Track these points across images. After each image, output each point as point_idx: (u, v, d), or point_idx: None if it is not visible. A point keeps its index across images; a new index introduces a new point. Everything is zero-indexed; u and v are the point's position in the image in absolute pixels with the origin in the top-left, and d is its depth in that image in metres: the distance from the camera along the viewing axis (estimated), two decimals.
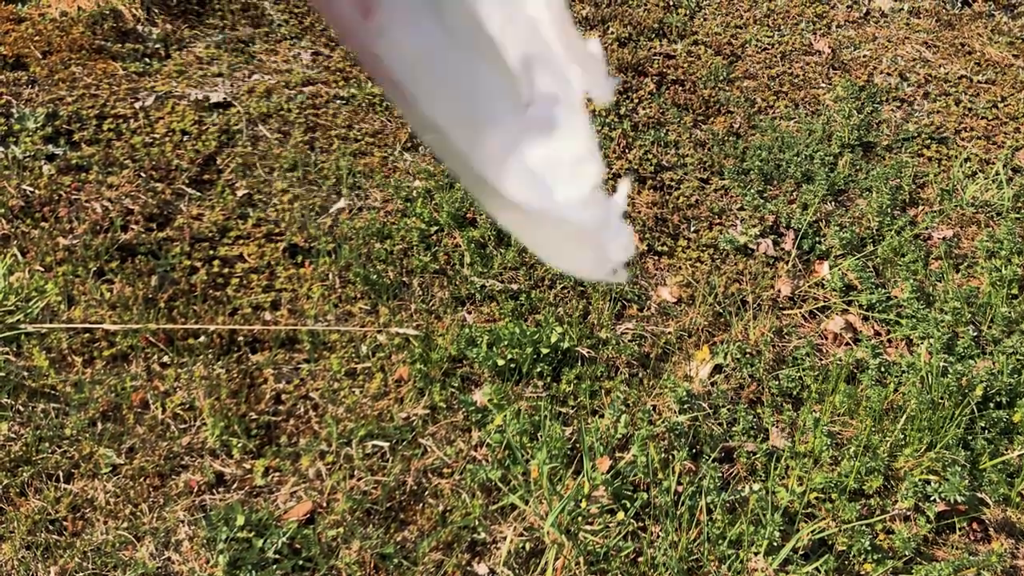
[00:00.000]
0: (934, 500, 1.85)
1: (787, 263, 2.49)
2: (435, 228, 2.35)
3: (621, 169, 2.68)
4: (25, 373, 1.82)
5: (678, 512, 1.75)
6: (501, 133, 0.49)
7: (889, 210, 2.70)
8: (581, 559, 1.65)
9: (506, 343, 2.00)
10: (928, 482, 1.88)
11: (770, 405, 2.06)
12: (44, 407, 1.78)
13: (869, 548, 1.74)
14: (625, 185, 0.53)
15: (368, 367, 1.98)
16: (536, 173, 0.50)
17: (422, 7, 0.45)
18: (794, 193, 2.76)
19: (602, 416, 1.95)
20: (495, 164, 0.50)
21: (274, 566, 1.57)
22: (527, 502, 1.74)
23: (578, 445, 1.86)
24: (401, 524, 1.71)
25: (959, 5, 4.19)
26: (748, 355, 2.16)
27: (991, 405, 2.06)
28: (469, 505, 1.74)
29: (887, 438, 1.95)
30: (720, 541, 1.72)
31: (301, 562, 1.60)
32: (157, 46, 2.86)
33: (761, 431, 1.99)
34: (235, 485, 1.72)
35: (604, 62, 0.49)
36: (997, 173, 2.96)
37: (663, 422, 1.93)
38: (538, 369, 2.00)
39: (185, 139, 2.49)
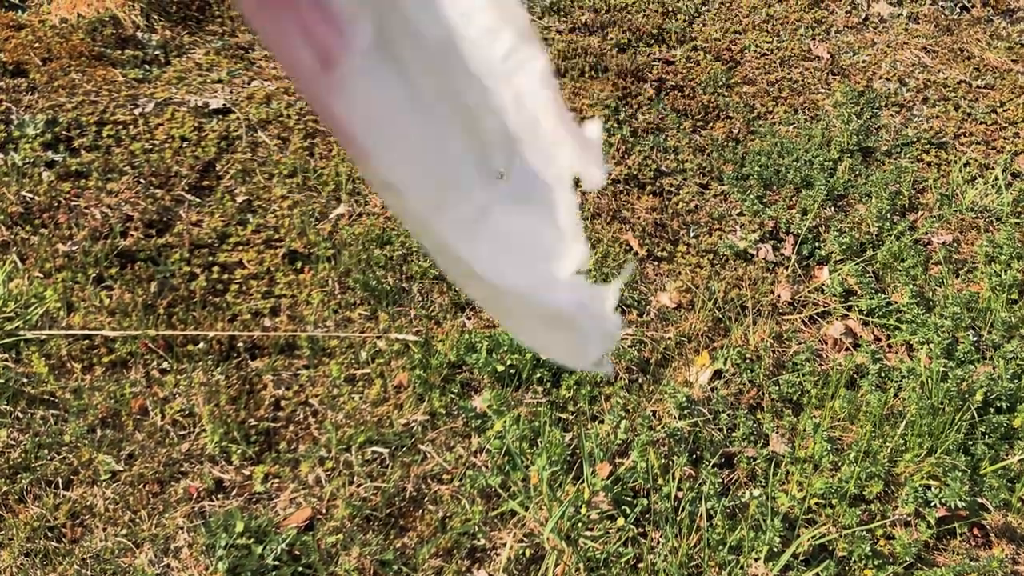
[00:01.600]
0: (934, 505, 1.85)
1: (787, 268, 2.50)
2: None
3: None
4: (24, 379, 1.82)
5: (678, 518, 1.75)
6: (468, 201, 0.46)
7: (889, 215, 2.70)
8: (581, 565, 1.65)
9: (506, 349, 1.99)
10: (928, 487, 1.87)
11: (770, 410, 2.05)
12: (43, 414, 1.78)
13: (870, 554, 1.73)
14: (622, 279, 0.51)
15: (368, 373, 1.98)
16: (511, 245, 0.47)
17: (386, 65, 0.43)
18: (793, 198, 2.76)
19: (602, 422, 1.95)
20: (462, 231, 0.46)
21: (273, 573, 1.57)
22: (527, 508, 1.73)
23: (578, 451, 1.85)
24: (401, 530, 1.71)
25: (958, 10, 4.20)
26: (748, 360, 2.16)
27: (991, 410, 2.06)
28: (469, 511, 1.74)
29: (887, 443, 1.95)
30: (720, 547, 1.71)
31: (300, 569, 1.59)
32: (157, 52, 2.86)
33: (761, 436, 1.99)
34: (234, 491, 1.72)
35: (600, 147, 0.46)
36: (996, 178, 2.96)
37: (663, 428, 1.93)
38: (538, 375, 2.00)
39: (185, 145, 2.49)
